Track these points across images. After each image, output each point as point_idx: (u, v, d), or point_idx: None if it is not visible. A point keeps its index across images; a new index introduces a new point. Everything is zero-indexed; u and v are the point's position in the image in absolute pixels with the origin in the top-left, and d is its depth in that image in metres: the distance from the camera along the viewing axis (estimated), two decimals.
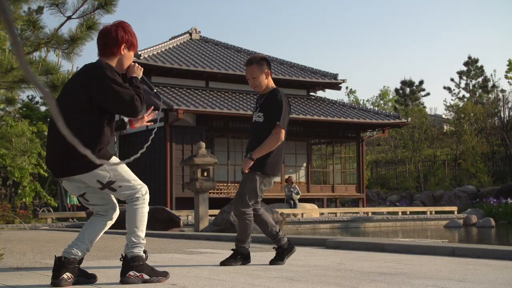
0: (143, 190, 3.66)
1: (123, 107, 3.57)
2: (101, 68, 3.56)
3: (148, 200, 3.68)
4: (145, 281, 3.58)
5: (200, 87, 25.52)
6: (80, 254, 3.63)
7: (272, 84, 4.90)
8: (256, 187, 4.76)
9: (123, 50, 3.69)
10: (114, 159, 3.61)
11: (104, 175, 3.53)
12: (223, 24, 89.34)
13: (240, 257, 4.82)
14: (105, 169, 3.54)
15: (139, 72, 3.83)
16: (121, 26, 3.72)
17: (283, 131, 4.69)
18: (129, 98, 3.55)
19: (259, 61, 4.83)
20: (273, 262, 4.83)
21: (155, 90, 4.05)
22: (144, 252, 3.68)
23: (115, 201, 3.79)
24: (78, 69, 3.85)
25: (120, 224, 14.67)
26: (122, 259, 3.66)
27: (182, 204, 21.82)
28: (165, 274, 3.69)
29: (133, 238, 3.62)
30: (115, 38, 3.66)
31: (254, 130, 4.81)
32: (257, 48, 71.15)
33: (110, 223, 3.79)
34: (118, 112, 3.66)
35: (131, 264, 3.59)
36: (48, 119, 23.46)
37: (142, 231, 3.63)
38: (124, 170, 3.62)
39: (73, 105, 3.54)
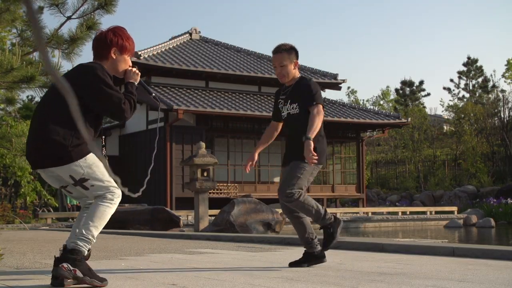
0: (116, 194, 3.58)
1: (110, 109, 3.57)
2: (93, 68, 3.58)
3: (117, 205, 3.60)
4: (76, 278, 3.40)
5: (200, 87, 25.52)
6: (85, 246, 3.60)
7: (298, 74, 4.69)
8: (306, 177, 4.52)
9: (114, 54, 3.69)
10: (91, 157, 3.53)
11: (77, 171, 3.49)
12: (223, 24, 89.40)
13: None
14: (80, 165, 3.48)
15: (136, 78, 3.80)
16: (112, 30, 3.74)
17: (321, 106, 4.48)
18: (117, 101, 3.55)
19: (288, 49, 4.62)
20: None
21: (153, 94, 3.99)
22: (88, 250, 3.56)
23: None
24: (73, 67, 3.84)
25: (121, 225, 14.61)
26: (61, 249, 3.51)
27: (182, 204, 21.82)
28: (102, 280, 3.49)
29: (83, 230, 3.48)
30: (104, 41, 3.68)
31: (293, 123, 4.55)
32: (257, 48, 71.12)
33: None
34: (105, 114, 3.66)
35: (68, 255, 3.44)
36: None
37: (96, 228, 3.51)
38: (100, 169, 3.55)
39: (59, 100, 3.52)
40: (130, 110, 3.64)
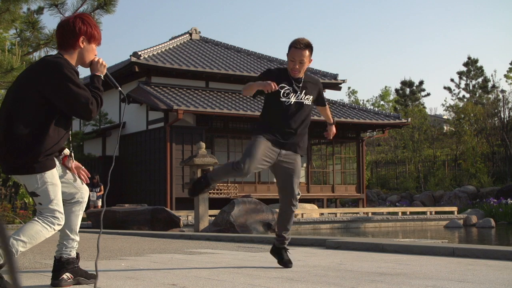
0: (59, 220, 3.36)
1: (77, 109, 3.35)
2: (59, 65, 3.33)
3: (55, 231, 3.39)
4: None
5: (200, 87, 25.52)
6: (73, 252, 3.59)
7: None
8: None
9: (82, 43, 3.45)
10: (51, 174, 3.35)
11: (32, 184, 3.32)
12: (223, 24, 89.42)
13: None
14: (37, 179, 3.30)
15: (102, 70, 3.55)
16: (79, 17, 3.53)
17: None
18: (85, 101, 3.32)
19: (311, 47, 4.73)
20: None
21: (119, 89, 3.77)
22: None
23: (76, 184, 3.58)
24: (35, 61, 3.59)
25: (121, 225, 14.58)
26: None
27: (182, 204, 21.82)
28: None
29: (10, 241, 3.23)
30: (72, 29, 3.44)
31: (301, 112, 4.71)
32: (257, 48, 71.16)
33: (83, 206, 3.62)
34: (71, 114, 3.43)
35: None
36: None
37: (24, 245, 3.25)
38: (54, 190, 3.35)
39: (22, 101, 3.32)
40: (97, 108, 3.41)
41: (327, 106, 5.11)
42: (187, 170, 19.26)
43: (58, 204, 3.37)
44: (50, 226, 3.34)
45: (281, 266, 4.70)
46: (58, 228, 3.39)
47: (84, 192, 3.62)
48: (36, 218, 3.34)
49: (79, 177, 3.62)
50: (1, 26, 7.49)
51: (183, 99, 23.38)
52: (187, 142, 23.14)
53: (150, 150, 23.81)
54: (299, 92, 4.70)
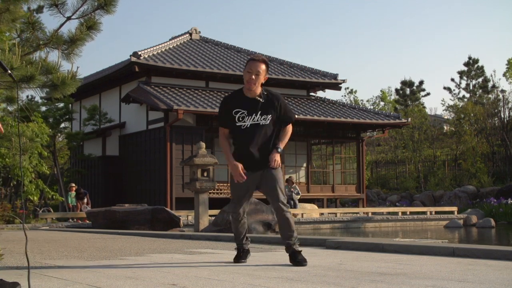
0: None
1: None
2: None
3: None
4: None
5: (200, 87, 25.52)
6: None
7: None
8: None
9: None
10: None
11: None
12: (223, 24, 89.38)
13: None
14: None
15: None
16: None
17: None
18: None
19: (268, 65, 4.90)
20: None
21: (9, 72, 3.57)
22: None
23: None
24: None
25: (121, 225, 14.61)
26: None
27: (182, 204, 21.82)
28: None
29: None
30: None
31: (260, 133, 4.78)
32: (257, 48, 71.12)
33: None
34: None
35: None
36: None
37: None
38: None
39: None
40: None
41: (288, 128, 4.92)
42: (187, 170, 19.25)
43: None
44: None
45: (291, 264, 4.75)
46: None
47: None
48: None
49: None
50: (2, 26, 7.48)
51: (183, 99, 23.38)
52: (187, 142, 23.14)
53: (150, 150, 23.79)
54: (254, 113, 4.79)
